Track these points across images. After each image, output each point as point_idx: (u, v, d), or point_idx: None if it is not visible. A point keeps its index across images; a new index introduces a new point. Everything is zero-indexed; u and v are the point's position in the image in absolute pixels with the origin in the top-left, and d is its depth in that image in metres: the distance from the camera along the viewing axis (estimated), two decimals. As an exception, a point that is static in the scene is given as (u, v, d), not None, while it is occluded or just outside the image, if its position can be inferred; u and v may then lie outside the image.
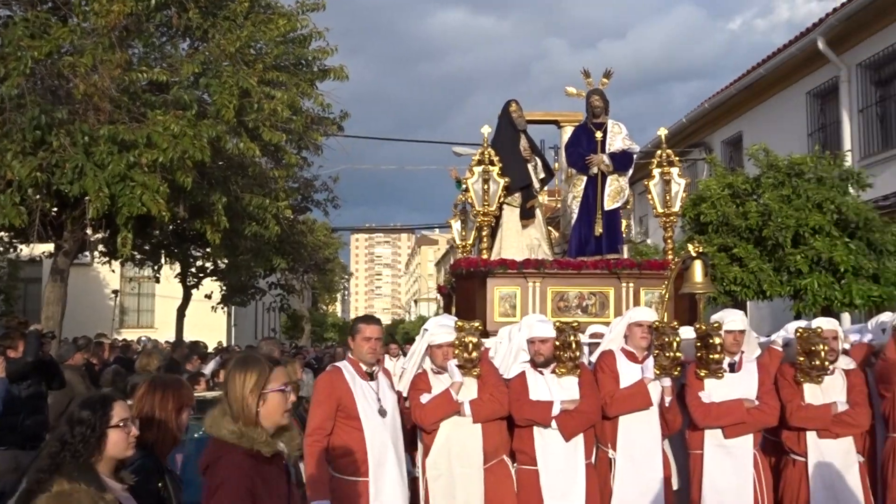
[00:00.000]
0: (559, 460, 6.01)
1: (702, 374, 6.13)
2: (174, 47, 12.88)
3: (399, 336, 57.31)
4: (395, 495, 5.49)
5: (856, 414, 6.08)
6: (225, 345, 25.18)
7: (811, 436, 6.13)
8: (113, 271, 23.94)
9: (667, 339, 6.02)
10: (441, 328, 6.21)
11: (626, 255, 8.37)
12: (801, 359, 6.11)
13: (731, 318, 6.22)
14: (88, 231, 12.21)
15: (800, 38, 16.88)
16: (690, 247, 6.68)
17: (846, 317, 13.44)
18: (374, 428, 5.48)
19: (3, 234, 14.09)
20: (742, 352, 6.26)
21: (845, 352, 6.41)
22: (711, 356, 6.02)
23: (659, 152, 8.14)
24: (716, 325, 6.09)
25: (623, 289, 7.81)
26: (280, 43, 13.01)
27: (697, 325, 6.25)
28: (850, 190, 12.67)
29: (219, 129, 10.98)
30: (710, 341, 6.00)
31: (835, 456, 6.11)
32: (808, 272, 11.42)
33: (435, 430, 6.00)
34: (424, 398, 6.01)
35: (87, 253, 18.51)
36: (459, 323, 6.15)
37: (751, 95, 19.10)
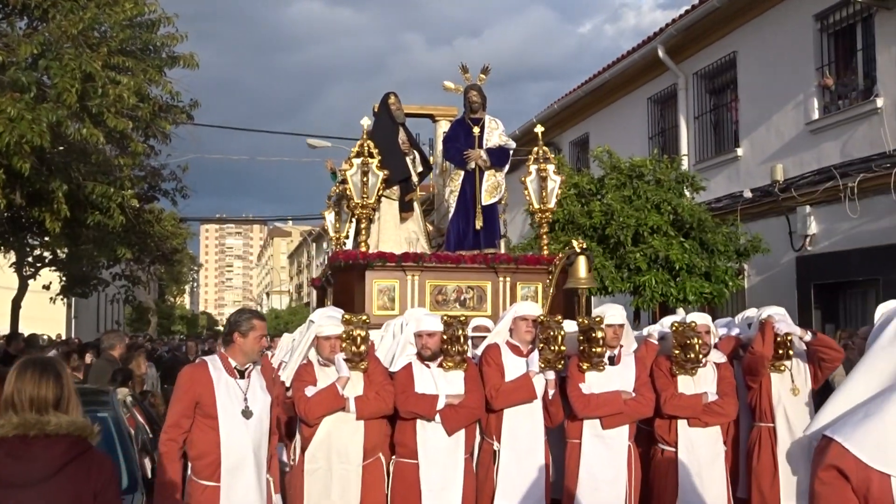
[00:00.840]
0: (440, 454, 5.90)
1: (584, 367, 6.15)
2: (10, 26, 11.85)
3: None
4: (249, 502, 5.10)
5: (725, 404, 6.26)
6: (64, 337, 23.70)
7: (682, 425, 6.27)
8: (-60, 259, 21.99)
9: (551, 333, 6.00)
10: (328, 320, 5.97)
11: (503, 250, 8.32)
12: (677, 352, 6.24)
13: (611, 313, 6.28)
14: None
15: (642, 45, 17.48)
16: (575, 243, 6.72)
17: (681, 312, 14.14)
18: (233, 429, 5.04)
19: None
20: (621, 345, 6.33)
21: (714, 345, 6.61)
22: (594, 349, 6.04)
23: (536, 149, 8.14)
24: (598, 319, 6.12)
25: (500, 283, 7.80)
26: (126, 27, 12.15)
27: (580, 320, 6.27)
28: (686, 192, 13.23)
29: (59, 113, 10.18)
30: (593, 335, 6.02)
31: (703, 444, 6.28)
32: (647, 269, 11.85)
33: (317, 424, 5.75)
34: (310, 391, 5.74)
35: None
36: (347, 316, 5.92)
37: (597, 98, 19.66)
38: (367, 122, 7.84)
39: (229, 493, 4.98)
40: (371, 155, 7.68)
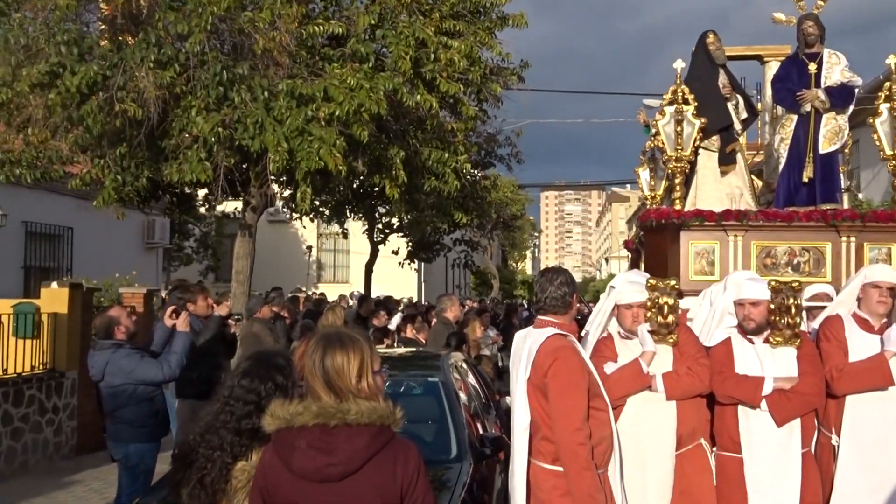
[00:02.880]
0: (769, 449, 4.74)
1: (962, 348, 4.68)
2: (351, 0, 12.26)
3: (589, 294, 55.85)
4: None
5: None
6: (416, 300, 24.94)
7: None
8: (304, 227, 23.98)
9: (916, 305, 4.63)
10: (630, 286, 5.03)
11: (846, 205, 6.88)
12: None
13: None
14: (275, 187, 11.87)
15: None
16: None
17: None
18: (609, 404, 4.35)
19: (198, 190, 14.01)
20: None
21: None
22: (976, 325, 4.57)
23: (888, 84, 6.60)
24: (979, 287, 4.62)
25: (843, 244, 6.47)
26: (457, -10, 12.12)
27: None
28: None
29: (395, 81, 10.28)
30: (974, 307, 4.55)
31: None
32: None
33: (620, 406, 4.82)
34: (609, 368, 4.86)
35: (284, 209, 18.56)
36: (652, 281, 4.97)
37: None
38: (680, 65, 6.79)
39: (613, 473, 4.31)
40: (686, 102, 6.67)
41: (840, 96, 6.86)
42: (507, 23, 12.89)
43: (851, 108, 6.98)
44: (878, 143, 6.68)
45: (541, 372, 4.25)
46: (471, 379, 7.15)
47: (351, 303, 16.88)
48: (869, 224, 6.46)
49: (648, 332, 4.88)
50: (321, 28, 10.61)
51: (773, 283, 4.96)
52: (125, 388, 6.27)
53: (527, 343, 4.45)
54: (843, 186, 7.06)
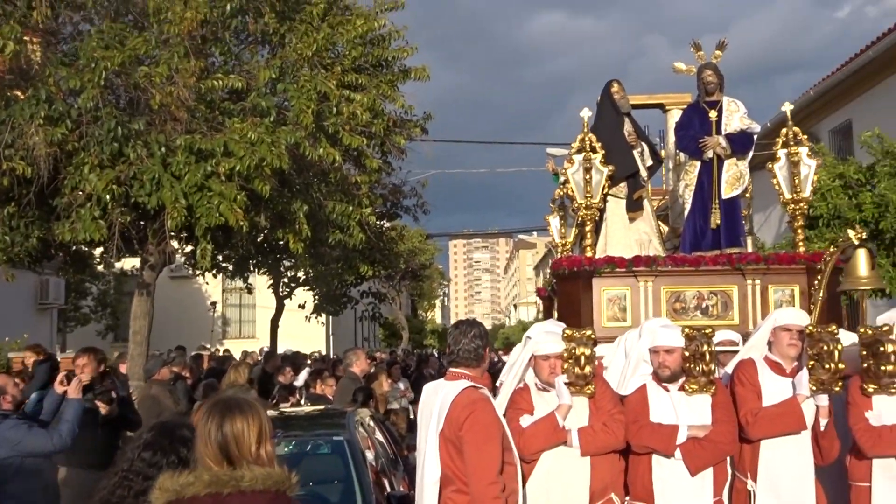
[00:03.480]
0: (682, 498, 4.72)
1: (870, 390, 4.73)
2: (252, 54, 12.09)
3: (499, 341, 55.89)
4: None
5: None
6: (324, 354, 24.47)
7: None
8: (207, 283, 23.40)
9: (825, 348, 4.67)
10: (547, 336, 4.95)
11: (749, 249, 7.02)
12: None
13: (903, 321, 4.82)
14: (174, 244, 11.45)
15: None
16: (852, 233, 5.33)
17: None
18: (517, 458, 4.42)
19: (93, 249, 13.43)
20: (920, 361, 4.83)
21: None
22: (883, 367, 4.63)
23: (785, 130, 6.82)
24: (885, 328, 4.70)
25: (748, 286, 6.58)
26: (358, 44, 12.09)
27: (863, 330, 4.87)
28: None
29: (297, 134, 10.13)
30: (881, 349, 4.62)
31: None
32: (934, 267, 10.14)
33: (534, 461, 4.75)
34: (525, 421, 4.78)
35: (185, 266, 18.00)
36: (569, 331, 4.90)
37: (860, 81, 17.14)
38: (587, 113, 6.86)
39: None
40: (594, 150, 6.72)
41: (740, 142, 7.04)
42: (409, 76, 12.93)
43: (751, 153, 7.17)
44: (777, 187, 6.86)
45: (455, 425, 4.20)
46: (378, 435, 7.01)
47: (259, 359, 16.42)
48: (772, 267, 6.61)
49: (565, 383, 4.80)
50: (220, 82, 10.34)
51: (687, 330, 4.96)
52: (11, 461, 5.79)
53: (438, 395, 4.38)
54: (745, 230, 7.22)
